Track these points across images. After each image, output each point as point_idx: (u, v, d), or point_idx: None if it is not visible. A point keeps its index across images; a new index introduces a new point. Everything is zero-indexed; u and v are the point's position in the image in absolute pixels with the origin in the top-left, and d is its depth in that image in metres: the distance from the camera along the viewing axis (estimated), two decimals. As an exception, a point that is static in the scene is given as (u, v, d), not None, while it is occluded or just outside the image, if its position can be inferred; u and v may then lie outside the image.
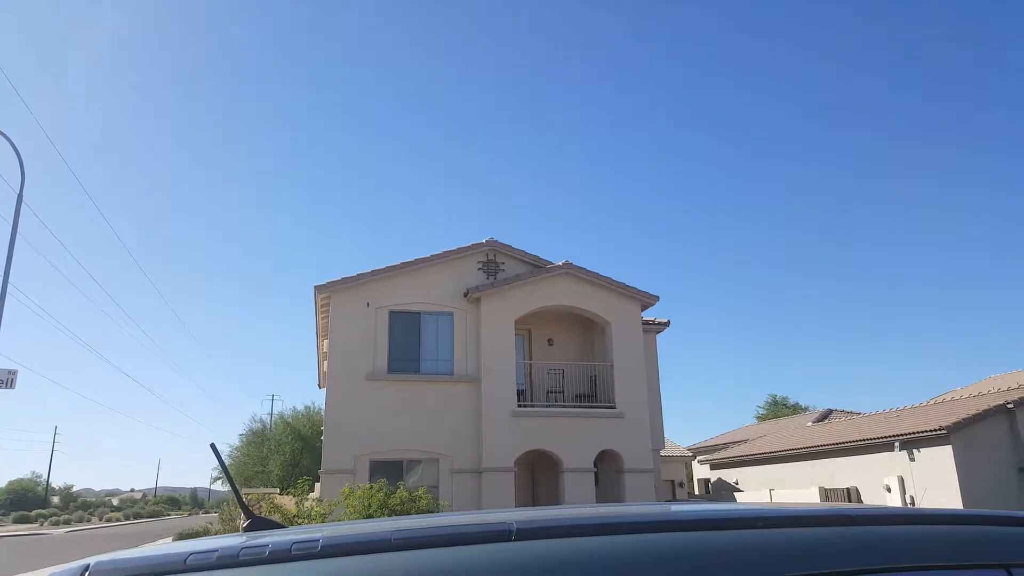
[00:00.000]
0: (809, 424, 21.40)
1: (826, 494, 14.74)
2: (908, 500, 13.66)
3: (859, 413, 21.22)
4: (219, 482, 41.83)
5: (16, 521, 40.20)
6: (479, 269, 14.26)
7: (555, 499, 13.25)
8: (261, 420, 35.83)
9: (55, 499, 55.91)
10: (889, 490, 14.04)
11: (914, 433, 13.80)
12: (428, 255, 14.00)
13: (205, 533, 16.72)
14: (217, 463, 13.03)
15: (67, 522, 40.44)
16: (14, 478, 57.59)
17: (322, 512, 9.75)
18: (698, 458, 22.19)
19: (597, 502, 13.20)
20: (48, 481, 57.67)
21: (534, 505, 13.64)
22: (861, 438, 15.12)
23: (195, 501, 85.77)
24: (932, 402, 17.75)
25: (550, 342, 14.88)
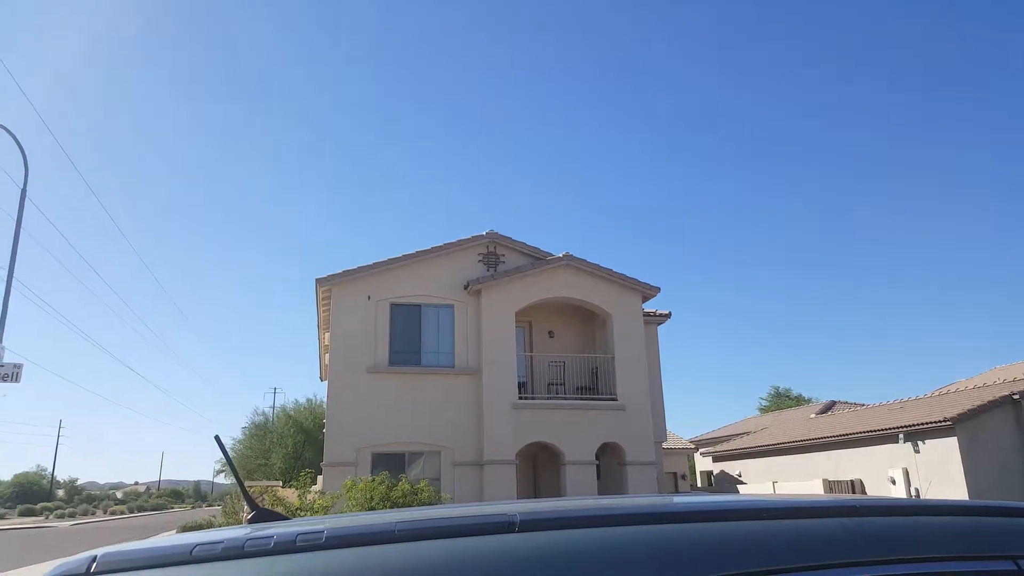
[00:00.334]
0: (812, 416, 21.29)
1: (830, 486, 14.71)
2: (913, 492, 13.61)
3: (863, 405, 21.06)
4: (222, 475, 41.89)
5: (22, 514, 40.49)
6: (479, 261, 14.26)
7: (557, 491, 13.26)
8: (264, 413, 35.83)
9: (60, 492, 56.17)
10: (894, 482, 13.98)
11: (919, 424, 13.72)
12: (429, 247, 14.01)
13: (209, 526, 16.84)
14: (221, 456, 12.69)
15: (72, 515, 40.64)
16: (20, 471, 58.49)
17: (325, 505, 9.79)
18: (700, 450, 22.12)
19: (599, 494, 13.28)
20: (53, 474, 57.93)
21: (536, 497, 13.57)
22: (865, 430, 15.03)
23: (198, 494, 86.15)
24: (936, 393, 17.63)
25: (551, 334, 14.89)
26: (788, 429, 19.45)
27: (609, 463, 13.95)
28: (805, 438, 16.83)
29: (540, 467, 14.32)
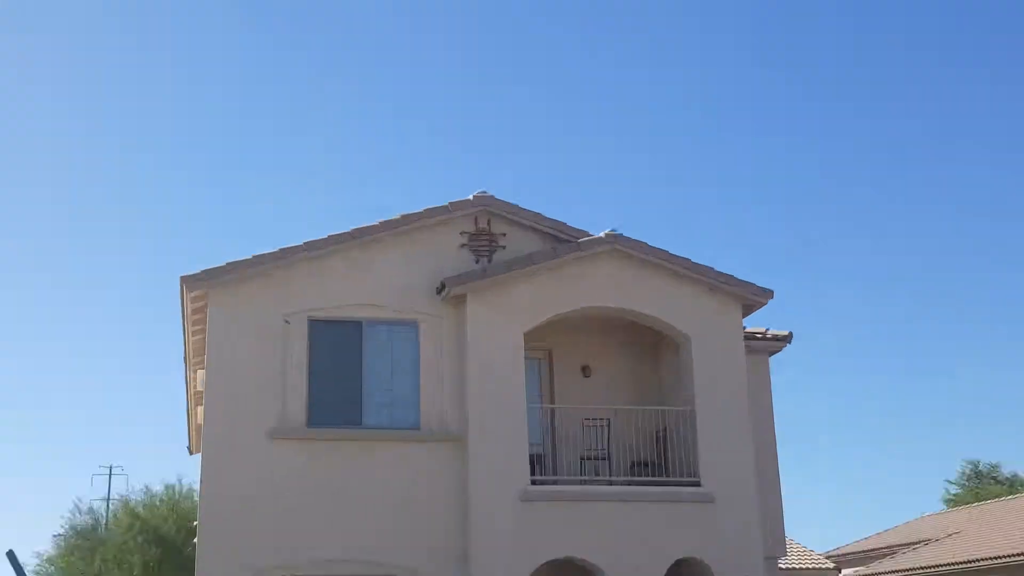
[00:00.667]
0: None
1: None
2: None
3: None
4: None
5: None
6: (463, 246, 13.36)
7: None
8: (92, 510, 34.65)
9: None
10: None
11: None
12: (376, 222, 13.10)
13: None
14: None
15: None
16: None
17: None
18: (844, 572, 21.57)
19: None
20: None
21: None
22: None
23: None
24: None
25: (586, 371, 14.01)
26: (998, 534, 18.61)
27: (688, 595, 13.09)
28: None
29: (569, 602, 13.42)
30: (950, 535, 21.68)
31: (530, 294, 13.07)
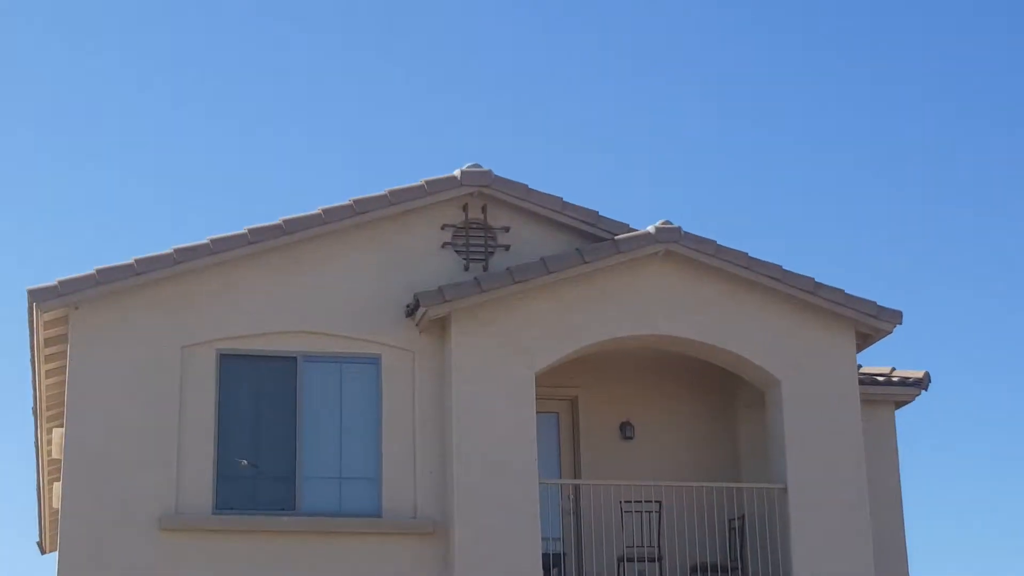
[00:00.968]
0: None
1: None
2: None
3: None
4: None
5: None
6: (445, 245, 13.54)
7: None
8: None
9: None
10: None
11: None
12: (317, 209, 13.21)
13: None
14: None
15: None
16: None
17: None
18: None
19: None
20: None
21: None
22: None
23: None
24: None
25: (627, 431, 14.29)
26: None
27: None
28: None
29: None
30: None
31: (545, 317, 13.07)
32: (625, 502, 13.26)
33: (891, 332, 13.79)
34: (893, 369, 14.76)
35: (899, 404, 14.72)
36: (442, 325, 12.86)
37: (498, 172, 13.58)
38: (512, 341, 12.89)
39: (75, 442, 12.14)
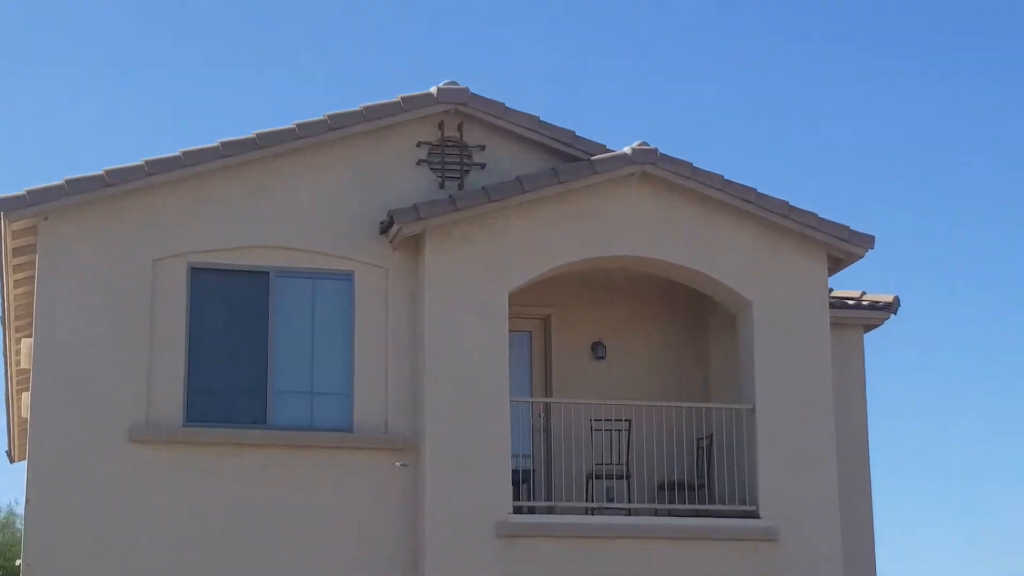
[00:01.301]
0: None
1: None
2: None
3: None
4: None
5: None
6: (421, 162, 13.58)
7: None
8: None
9: None
10: None
11: None
12: (290, 124, 13.20)
13: None
14: None
15: None
16: None
17: None
18: None
19: None
20: None
21: None
22: None
23: None
24: None
25: (598, 351, 14.40)
26: None
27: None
28: None
29: None
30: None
31: (519, 237, 13.11)
32: (595, 420, 13.33)
33: (863, 256, 13.88)
34: (863, 293, 14.88)
35: (868, 328, 14.88)
36: (416, 243, 12.90)
37: (475, 90, 13.51)
38: (486, 260, 12.94)
39: (44, 352, 12.19)
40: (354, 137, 13.27)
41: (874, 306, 14.75)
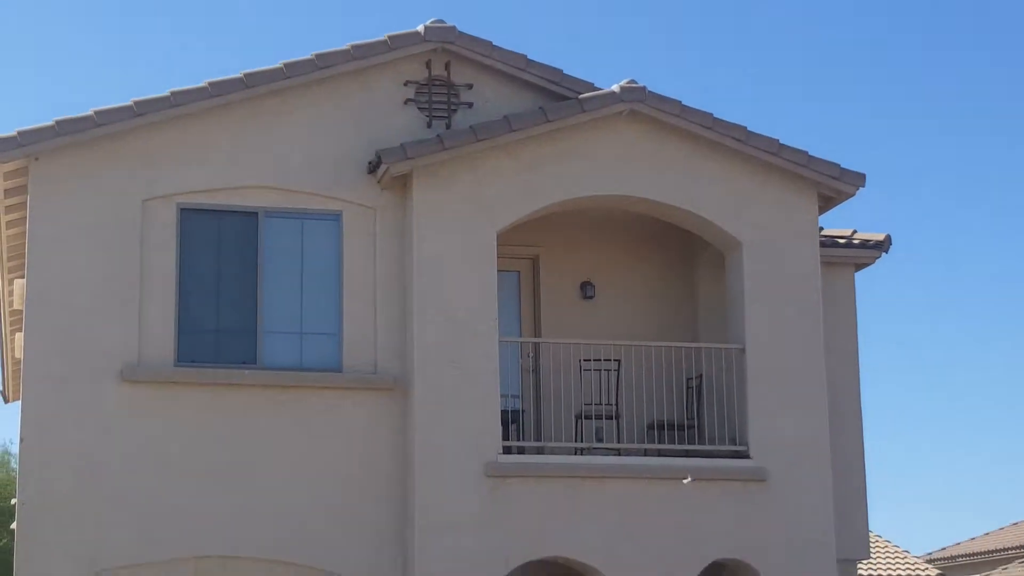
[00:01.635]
0: None
1: None
2: None
3: None
4: None
5: None
6: (408, 101, 13.59)
7: None
8: None
9: None
10: None
11: None
12: (278, 63, 13.11)
13: None
14: None
15: None
16: None
17: None
18: None
19: None
20: None
21: None
22: None
23: None
24: None
25: (587, 290, 14.44)
26: None
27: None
28: None
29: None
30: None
31: (507, 176, 13.09)
32: (584, 360, 13.38)
33: (853, 195, 13.90)
34: (854, 231, 14.90)
35: (859, 266, 14.91)
36: (404, 182, 12.88)
37: (462, 28, 13.44)
38: (474, 199, 12.95)
39: (36, 293, 12.25)
40: (341, 76, 13.26)
41: (865, 244, 14.78)
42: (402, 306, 12.87)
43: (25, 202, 12.69)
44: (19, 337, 14.21)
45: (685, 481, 12.38)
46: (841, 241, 14.72)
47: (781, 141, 13.41)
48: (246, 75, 12.84)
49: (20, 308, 13.34)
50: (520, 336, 13.96)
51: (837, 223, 15.32)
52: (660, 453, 13.26)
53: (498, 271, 13.11)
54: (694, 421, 13.63)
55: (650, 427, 13.53)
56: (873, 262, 14.89)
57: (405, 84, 13.46)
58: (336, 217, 13.10)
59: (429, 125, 13.30)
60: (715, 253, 14.01)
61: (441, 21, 13.41)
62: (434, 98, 13.50)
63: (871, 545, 16.52)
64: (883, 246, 14.67)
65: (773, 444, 12.96)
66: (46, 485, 11.86)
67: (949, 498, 68.97)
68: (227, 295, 12.92)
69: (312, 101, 13.24)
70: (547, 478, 12.58)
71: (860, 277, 15.03)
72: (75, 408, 12.05)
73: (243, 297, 12.86)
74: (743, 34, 61.79)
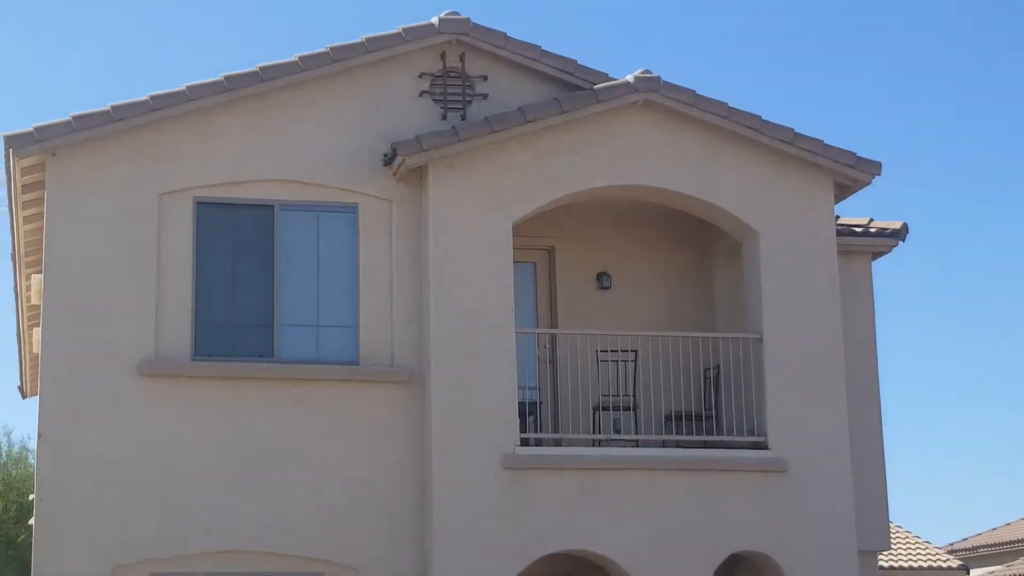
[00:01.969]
0: None
1: None
2: None
3: None
4: None
5: None
6: (423, 94, 13.59)
7: None
8: None
9: None
10: None
11: None
12: (293, 57, 13.14)
13: None
14: None
15: None
16: None
17: None
18: (975, 573, 22.93)
19: None
20: None
21: None
22: None
23: None
24: None
25: (604, 281, 14.44)
26: None
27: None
28: None
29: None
30: None
31: (522, 167, 13.07)
32: (601, 351, 13.39)
33: (869, 183, 13.88)
34: (871, 220, 14.84)
35: (876, 255, 14.86)
36: (419, 174, 12.85)
37: (476, 20, 13.51)
38: (490, 191, 12.93)
39: (53, 288, 12.26)
40: (357, 69, 13.23)
41: (882, 233, 14.70)
42: (418, 298, 12.88)
43: (42, 197, 12.71)
44: (37, 332, 14.20)
45: None
46: (858, 230, 14.66)
47: (796, 130, 13.39)
48: (261, 69, 12.83)
49: (38, 303, 13.41)
50: (537, 327, 13.98)
51: (853, 212, 15.27)
52: (678, 444, 13.28)
53: (514, 262, 13.09)
54: (712, 412, 13.66)
55: (668, 418, 13.50)
56: (890, 250, 14.85)
57: (420, 76, 13.44)
58: (352, 210, 13.07)
59: (444, 117, 13.28)
60: (731, 242, 14.00)
61: (455, 13, 13.40)
62: (449, 90, 13.47)
63: (892, 536, 16.40)
64: (900, 234, 14.64)
65: (792, 435, 12.95)
66: (64, 480, 11.88)
67: (970, 488, 68.93)
68: (244, 288, 12.90)
69: (327, 94, 13.21)
70: (565, 470, 12.56)
71: (877, 266, 14.99)
72: (93, 403, 12.05)
73: (260, 290, 12.85)
74: (758, 22, 61.53)
